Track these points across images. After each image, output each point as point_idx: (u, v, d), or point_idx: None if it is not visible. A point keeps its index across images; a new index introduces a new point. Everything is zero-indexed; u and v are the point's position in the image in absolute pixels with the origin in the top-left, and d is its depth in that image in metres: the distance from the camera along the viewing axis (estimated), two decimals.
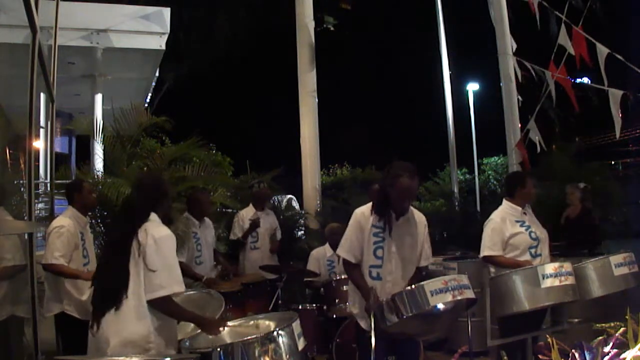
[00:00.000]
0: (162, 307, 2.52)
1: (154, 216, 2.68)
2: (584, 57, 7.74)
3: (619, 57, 7.39)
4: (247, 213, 5.96)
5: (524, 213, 3.82)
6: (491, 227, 3.79)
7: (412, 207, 3.29)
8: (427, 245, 3.33)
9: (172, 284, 2.52)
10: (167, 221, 2.82)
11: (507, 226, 3.75)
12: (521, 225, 3.75)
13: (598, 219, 6.64)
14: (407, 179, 3.09)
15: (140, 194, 2.77)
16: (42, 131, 8.87)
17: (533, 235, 3.72)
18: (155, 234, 2.58)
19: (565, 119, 9.14)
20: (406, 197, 3.14)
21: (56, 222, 3.95)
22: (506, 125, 8.81)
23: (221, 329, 2.72)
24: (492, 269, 3.77)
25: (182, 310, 2.65)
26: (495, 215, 3.85)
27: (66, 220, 3.94)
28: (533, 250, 3.69)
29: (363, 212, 3.28)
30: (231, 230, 6.06)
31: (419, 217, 3.34)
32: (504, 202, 3.91)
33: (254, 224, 5.81)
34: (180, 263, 4.80)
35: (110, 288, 2.54)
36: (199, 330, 2.82)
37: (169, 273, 2.53)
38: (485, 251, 3.76)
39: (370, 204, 3.31)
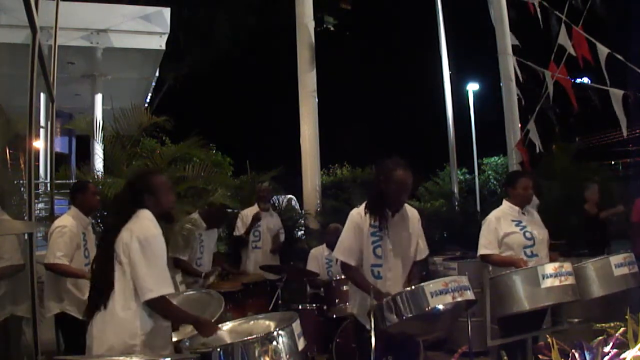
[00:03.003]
0: (156, 308, 2.48)
1: (144, 213, 2.60)
2: (586, 56, 7.74)
3: (619, 57, 7.39)
4: (251, 211, 6.05)
5: (523, 213, 3.82)
6: (486, 226, 3.81)
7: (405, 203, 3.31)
8: (421, 240, 3.36)
9: (159, 286, 2.46)
10: (166, 218, 2.74)
11: (501, 225, 3.76)
12: (516, 225, 3.75)
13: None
14: (402, 171, 3.12)
15: (124, 191, 2.75)
16: (42, 131, 8.87)
17: (528, 235, 3.72)
18: (141, 234, 2.50)
19: (565, 119, 9.14)
20: (403, 191, 3.16)
21: (58, 222, 3.96)
22: (506, 125, 8.80)
23: (217, 330, 2.69)
24: (492, 269, 3.78)
25: (178, 311, 2.61)
26: (492, 214, 3.87)
27: (69, 220, 3.95)
28: (528, 250, 3.68)
29: (360, 213, 3.27)
30: (235, 228, 6.13)
31: (412, 212, 3.36)
32: (504, 201, 3.94)
33: (255, 219, 5.87)
34: (182, 261, 4.88)
35: (98, 288, 2.54)
36: None
37: (155, 275, 2.47)
38: (481, 250, 3.78)
39: (364, 203, 3.31)
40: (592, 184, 6.82)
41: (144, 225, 2.54)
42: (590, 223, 6.54)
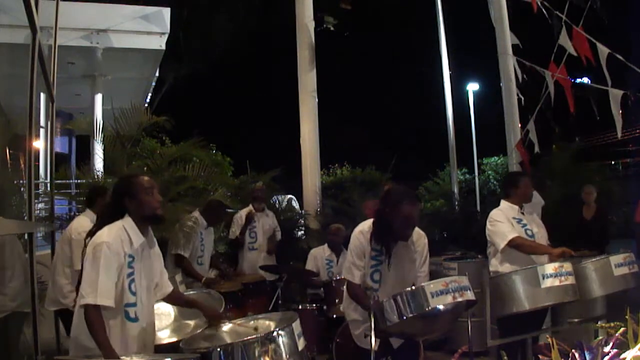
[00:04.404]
0: (85, 315, 2.38)
1: (124, 221, 2.56)
2: (589, 57, 7.74)
3: (619, 57, 7.39)
4: (246, 212, 6.02)
5: (522, 212, 3.86)
6: (498, 219, 3.80)
7: None
8: (425, 266, 3.28)
9: (89, 294, 2.37)
10: (154, 220, 2.66)
11: (508, 216, 3.80)
12: (518, 222, 3.79)
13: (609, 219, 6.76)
14: (409, 205, 3.04)
15: (110, 198, 2.74)
16: (42, 131, 8.89)
17: (529, 232, 3.75)
18: (97, 239, 2.48)
19: (565, 119, 9.14)
20: (409, 225, 3.09)
21: (80, 227, 3.95)
22: (506, 125, 8.81)
23: None
24: (492, 269, 3.78)
25: (98, 328, 2.36)
26: (495, 210, 3.91)
27: (88, 223, 3.97)
28: None
29: (363, 233, 3.22)
30: (230, 229, 6.12)
31: (418, 236, 3.28)
32: (502, 202, 3.97)
33: (248, 219, 5.86)
34: (185, 260, 4.89)
35: (77, 289, 2.55)
36: (199, 330, 2.82)
37: (90, 282, 2.39)
38: (508, 236, 3.66)
39: (369, 222, 3.25)
40: (587, 185, 6.73)
41: (101, 232, 2.51)
42: (584, 228, 6.45)
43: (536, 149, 8.46)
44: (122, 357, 2.29)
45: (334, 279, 4.94)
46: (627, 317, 1.94)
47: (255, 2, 17.65)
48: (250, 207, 6.07)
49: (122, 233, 2.53)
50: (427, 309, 2.69)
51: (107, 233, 2.50)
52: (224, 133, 18.38)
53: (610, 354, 1.77)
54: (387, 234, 3.13)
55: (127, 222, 2.57)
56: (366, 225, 3.26)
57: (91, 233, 2.57)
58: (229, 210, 6.16)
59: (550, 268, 3.19)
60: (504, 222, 3.75)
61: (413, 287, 2.76)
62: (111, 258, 2.44)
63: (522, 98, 8.73)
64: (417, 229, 3.26)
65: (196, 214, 5.18)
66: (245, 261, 5.94)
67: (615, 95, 7.29)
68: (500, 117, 8.93)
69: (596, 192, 6.59)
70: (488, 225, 3.86)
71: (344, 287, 4.67)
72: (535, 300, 3.17)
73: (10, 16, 7.39)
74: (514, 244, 3.67)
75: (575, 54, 7.88)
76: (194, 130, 5.92)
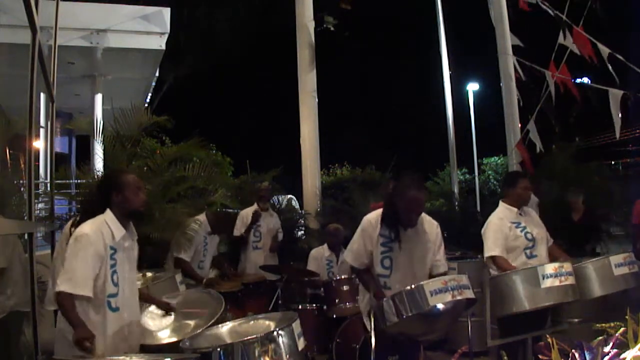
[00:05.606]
0: (58, 302, 2.49)
1: (105, 215, 2.65)
2: (592, 57, 7.74)
3: (619, 57, 7.39)
4: (251, 211, 6.04)
5: (520, 214, 3.83)
6: (492, 228, 3.78)
7: (423, 214, 3.28)
8: (440, 253, 3.31)
9: (64, 282, 2.47)
10: (136, 216, 2.75)
11: (505, 226, 3.75)
12: (517, 227, 3.75)
13: (601, 217, 6.69)
14: (415, 191, 3.11)
15: (95, 191, 2.82)
16: (42, 131, 8.88)
17: (529, 236, 3.72)
18: (78, 232, 2.57)
19: (565, 119, 9.14)
20: (414, 210, 3.15)
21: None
22: (506, 125, 8.81)
23: (87, 344, 2.40)
24: (492, 271, 3.77)
25: (69, 307, 2.48)
26: (493, 217, 3.86)
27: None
28: (528, 251, 3.69)
29: (370, 220, 3.28)
30: (234, 227, 6.12)
31: (430, 225, 3.32)
32: (500, 203, 3.93)
33: (255, 217, 5.87)
34: (185, 263, 4.88)
35: None
36: (199, 330, 2.82)
37: (67, 271, 2.49)
38: (489, 251, 3.69)
39: (380, 212, 3.30)
40: (575, 193, 6.61)
41: (82, 225, 2.60)
42: (572, 229, 6.40)
43: (538, 148, 8.46)
44: (121, 357, 2.30)
45: (334, 279, 4.94)
46: (627, 317, 1.94)
47: (255, 2, 17.66)
48: (256, 206, 6.10)
49: (103, 226, 2.62)
50: (426, 308, 2.69)
51: (88, 226, 2.59)
52: (224, 133, 18.40)
53: (610, 354, 1.77)
54: (393, 218, 3.19)
55: (108, 216, 2.66)
56: (375, 213, 3.32)
57: (75, 223, 2.67)
58: (229, 210, 6.18)
59: (550, 268, 3.19)
60: (495, 234, 3.70)
61: (412, 286, 2.77)
62: (90, 249, 2.52)
63: (521, 100, 8.73)
64: (429, 218, 3.33)
65: (202, 217, 5.16)
66: (248, 260, 5.95)
67: (615, 95, 7.29)
68: (500, 117, 8.93)
69: (581, 197, 6.47)
70: (483, 230, 3.84)
71: (344, 286, 4.73)
72: (535, 300, 3.17)
73: (10, 16, 7.38)
74: (493, 262, 3.68)
75: (578, 52, 7.88)
76: (194, 130, 5.91)
